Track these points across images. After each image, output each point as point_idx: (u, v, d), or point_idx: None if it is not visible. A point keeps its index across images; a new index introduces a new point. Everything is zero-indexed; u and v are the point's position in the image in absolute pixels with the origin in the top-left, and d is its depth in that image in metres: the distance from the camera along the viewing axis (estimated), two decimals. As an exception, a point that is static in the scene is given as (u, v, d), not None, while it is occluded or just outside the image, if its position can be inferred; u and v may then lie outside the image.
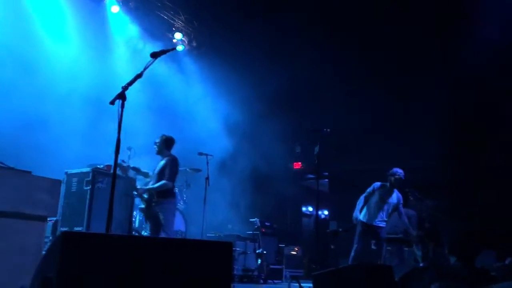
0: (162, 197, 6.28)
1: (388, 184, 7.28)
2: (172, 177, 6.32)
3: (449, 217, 8.16)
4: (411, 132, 10.60)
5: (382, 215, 7.28)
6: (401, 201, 7.35)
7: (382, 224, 7.30)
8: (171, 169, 6.32)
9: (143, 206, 6.53)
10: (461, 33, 9.54)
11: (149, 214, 6.37)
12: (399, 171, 7.27)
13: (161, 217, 6.20)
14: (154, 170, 6.55)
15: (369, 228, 7.26)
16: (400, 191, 7.39)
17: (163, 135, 6.57)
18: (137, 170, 7.22)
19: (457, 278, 4.48)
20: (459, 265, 6.97)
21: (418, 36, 9.88)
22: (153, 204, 6.28)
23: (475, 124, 10.00)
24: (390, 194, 7.28)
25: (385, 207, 7.28)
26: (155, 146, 6.51)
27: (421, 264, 7.57)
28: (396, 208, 7.33)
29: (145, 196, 6.37)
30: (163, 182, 6.24)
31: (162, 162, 6.43)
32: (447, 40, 9.89)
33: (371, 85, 10.86)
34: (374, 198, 7.32)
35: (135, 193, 6.50)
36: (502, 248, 7.41)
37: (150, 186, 6.35)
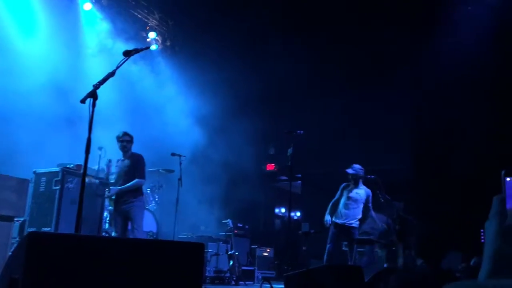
0: (132, 196, 6.26)
1: (351, 182, 7.43)
2: (144, 175, 6.33)
3: (417, 219, 8.32)
4: (384, 135, 10.79)
5: (354, 214, 7.37)
6: (370, 197, 7.48)
7: (355, 224, 7.38)
8: (143, 167, 6.35)
9: (111, 207, 6.45)
10: (433, 36, 9.79)
11: (117, 214, 6.31)
12: (354, 166, 7.43)
13: (132, 215, 6.17)
14: (118, 170, 6.49)
15: (341, 228, 7.35)
16: (369, 188, 7.55)
17: (128, 133, 6.50)
18: (105, 183, 7.01)
19: (423, 279, 4.57)
20: (425, 266, 7.12)
21: (392, 38, 10.05)
22: (122, 204, 6.23)
23: (444, 127, 10.26)
24: (353, 190, 7.41)
25: (354, 204, 7.39)
26: (125, 144, 6.42)
27: (385, 265, 7.70)
28: (365, 204, 7.45)
29: (113, 197, 6.30)
30: (137, 180, 6.23)
31: (128, 161, 6.39)
32: (418, 44, 10.11)
33: (344, 88, 11.00)
34: (343, 198, 7.44)
35: (107, 194, 6.42)
36: (468, 250, 7.61)
37: (123, 186, 6.28)
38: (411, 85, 10.45)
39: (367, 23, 10.07)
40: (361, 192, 7.44)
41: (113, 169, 6.92)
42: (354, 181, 7.42)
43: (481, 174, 8.71)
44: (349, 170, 7.42)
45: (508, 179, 1.19)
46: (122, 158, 6.51)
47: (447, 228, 8.93)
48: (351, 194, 7.40)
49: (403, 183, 9.82)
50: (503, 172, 1.20)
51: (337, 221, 7.34)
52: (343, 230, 7.35)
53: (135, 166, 6.35)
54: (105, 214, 7.54)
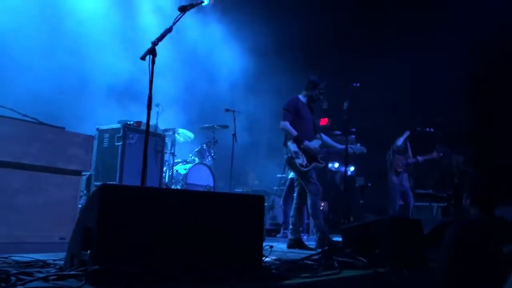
0: None
1: None
2: None
3: (476, 171, 8.04)
4: (441, 87, 10.34)
5: None
6: None
7: None
8: None
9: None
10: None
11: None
12: None
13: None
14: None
15: None
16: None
17: None
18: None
19: (475, 227, 4.44)
20: (478, 214, 6.91)
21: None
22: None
23: (504, 76, 9.70)
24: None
25: None
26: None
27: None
28: None
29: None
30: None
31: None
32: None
33: (397, 41, 10.56)
34: None
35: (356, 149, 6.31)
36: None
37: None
38: (468, 34, 9.87)
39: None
40: None
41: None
42: None
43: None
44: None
45: None
46: (308, 103, 6.18)
47: (503, 176, 8.56)
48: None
49: (462, 135, 9.46)
50: None
51: None
52: None
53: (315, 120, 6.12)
54: (164, 168, 7.80)
